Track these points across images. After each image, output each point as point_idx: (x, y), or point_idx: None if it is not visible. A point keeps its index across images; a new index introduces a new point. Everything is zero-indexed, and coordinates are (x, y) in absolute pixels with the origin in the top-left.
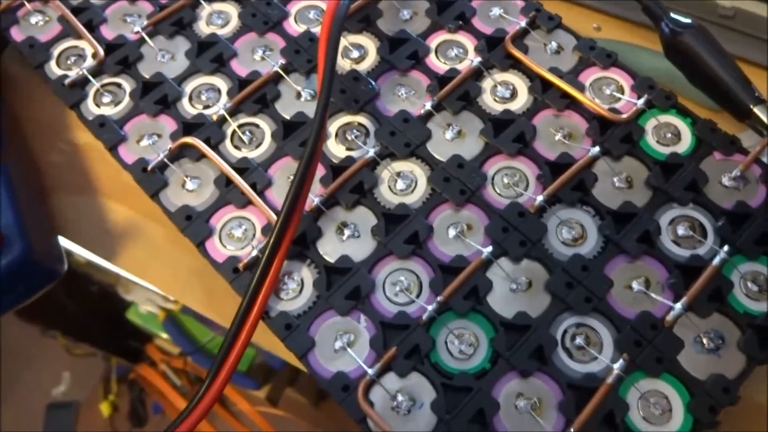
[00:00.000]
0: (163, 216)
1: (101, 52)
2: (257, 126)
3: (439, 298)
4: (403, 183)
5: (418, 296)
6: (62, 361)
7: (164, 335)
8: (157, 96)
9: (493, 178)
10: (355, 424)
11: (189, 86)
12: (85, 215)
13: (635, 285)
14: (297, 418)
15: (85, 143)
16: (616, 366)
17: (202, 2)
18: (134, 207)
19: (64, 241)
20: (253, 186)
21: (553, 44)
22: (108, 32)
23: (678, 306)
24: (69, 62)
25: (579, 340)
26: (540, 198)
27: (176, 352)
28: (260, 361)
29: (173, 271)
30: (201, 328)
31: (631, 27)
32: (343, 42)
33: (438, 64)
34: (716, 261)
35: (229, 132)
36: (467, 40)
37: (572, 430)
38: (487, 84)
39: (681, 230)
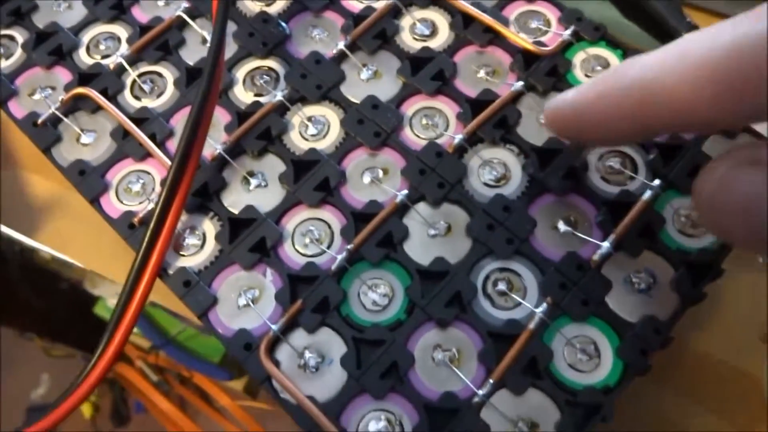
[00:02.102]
0: None
1: None
2: (159, 74)
3: (349, 247)
4: (315, 128)
5: (329, 246)
6: (41, 363)
7: (134, 330)
8: (51, 46)
9: (411, 119)
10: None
11: (87, 35)
12: (4, 189)
13: (561, 225)
14: (278, 409)
15: (3, 116)
16: (539, 311)
17: None
18: (56, 179)
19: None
20: (152, 137)
21: None
22: None
23: (606, 244)
24: None
25: (501, 286)
26: (459, 137)
27: (147, 346)
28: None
29: (97, 243)
30: (170, 320)
31: None
32: None
33: (353, 3)
34: (647, 196)
35: (128, 82)
36: None
37: (491, 381)
38: (405, 22)
39: (610, 165)
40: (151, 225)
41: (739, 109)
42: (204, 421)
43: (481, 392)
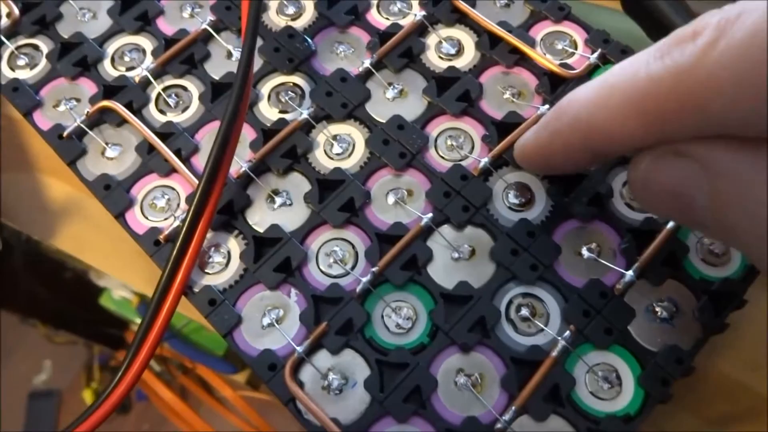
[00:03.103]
0: None
1: (16, 11)
2: (184, 88)
3: (374, 269)
4: (340, 147)
5: (353, 267)
6: (43, 350)
7: (139, 321)
8: (76, 57)
9: (436, 140)
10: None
11: (111, 47)
12: (22, 193)
13: (585, 251)
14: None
15: (20, 118)
16: (562, 338)
17: None
18: (74, 183)
19: None
20: (177, 152)
21: None
22: None
23: (629, 273)
24: None
25: (524, 311)
26: (485, 160)
27: None
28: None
29: (116, 249)
30: (176, 313)
31: None
32: None
33: (379, 20)
34: (671, 224)
35: (153, 95)
36: None
37: (513, 407)
38: (431, 40)
39: None
40: (178, 243)
41: (665, 133)
42: (206, 411)
43: (504, 418)
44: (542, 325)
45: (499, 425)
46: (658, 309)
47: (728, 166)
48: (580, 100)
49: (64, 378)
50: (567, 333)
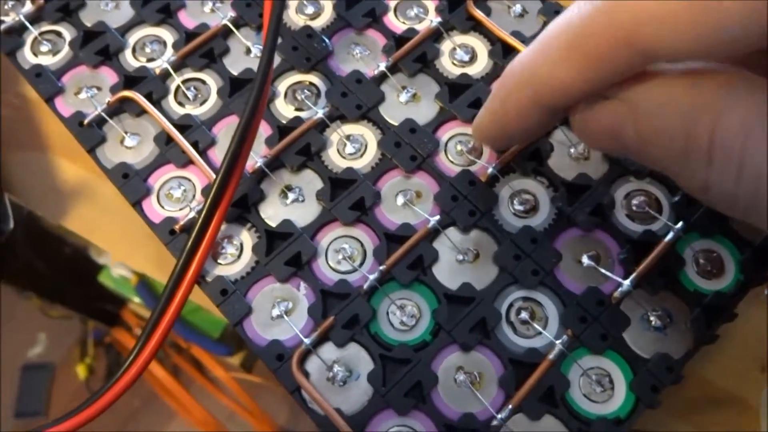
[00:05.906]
0: None
1: None
2: (203, 82)
3: (381, 267)
4: (353, 147)
5: (361, 265)
6: (38, 323)
7: (137, 299)
8: (98, 46)
9: (446, 145)
10: None
11: (133, 37)
12: (34, 173)
13: (585, 259)
14: (271, 383)
15: (35, 97)
16: (559, 342)
17: None
18: (87, 166)
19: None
20: (194, 145)
21: (518, 7)
22: None
23: (626, 282)
24: (6, 7)
25: (524, 315)
26: (493, 166)
27: (147, 315)
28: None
29: (125, 232)
30: None
31: None
32: None
33: (396, 24)
34: (669, 237)
35: (172, 87)
36: (429, 0)
37: (510, 406)
38: (446, 46)
39: (636, 204)
40: (194, 234)
41: (601, 74)
42: (197, 391)
43: (499, 416)
44: (541, 329)
45: (495, 422)
46: (652, 318)
47: (649, 102)
48: (522, 59)
49: (58, 352)
50: (564, 337)
